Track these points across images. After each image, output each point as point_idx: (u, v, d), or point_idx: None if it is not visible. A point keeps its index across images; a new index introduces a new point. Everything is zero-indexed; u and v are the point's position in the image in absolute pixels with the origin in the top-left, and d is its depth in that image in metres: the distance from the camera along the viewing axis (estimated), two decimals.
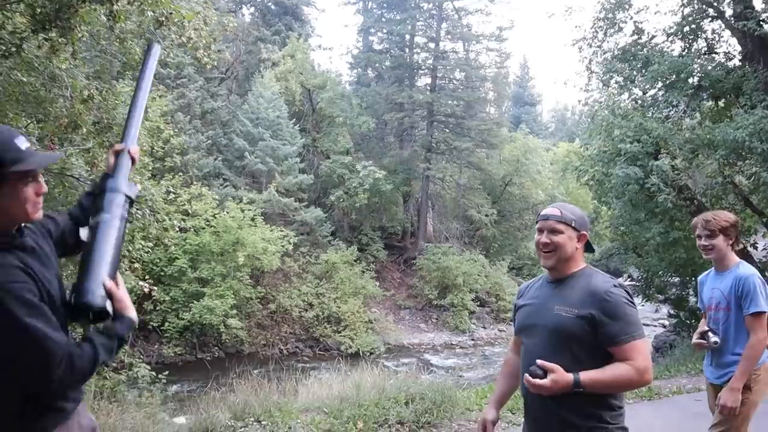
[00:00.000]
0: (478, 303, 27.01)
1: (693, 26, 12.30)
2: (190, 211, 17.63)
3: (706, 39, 12.57)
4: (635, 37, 12.95)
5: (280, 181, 24.51)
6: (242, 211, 20.98)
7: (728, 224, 3.46)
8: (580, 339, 2.28)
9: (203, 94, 25.77)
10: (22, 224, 1.83)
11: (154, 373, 9.37)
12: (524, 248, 33.32)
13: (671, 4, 12.79)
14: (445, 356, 22.46)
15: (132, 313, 1.91)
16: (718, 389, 3.53)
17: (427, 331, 25.51)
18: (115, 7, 4.58)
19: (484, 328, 26.48)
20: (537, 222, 2.52)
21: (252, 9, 35.48)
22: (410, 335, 24.70)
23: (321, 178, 27.75)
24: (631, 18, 12.97)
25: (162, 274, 19.10)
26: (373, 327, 23.31)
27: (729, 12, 11.75)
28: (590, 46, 13.51)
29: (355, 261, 25.26)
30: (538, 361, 2.27)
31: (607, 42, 13.31)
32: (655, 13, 14.84)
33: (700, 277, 3.82)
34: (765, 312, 3.30)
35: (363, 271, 25.18)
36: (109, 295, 1.84)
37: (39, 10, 4.53)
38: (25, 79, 5.43)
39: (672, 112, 12.85)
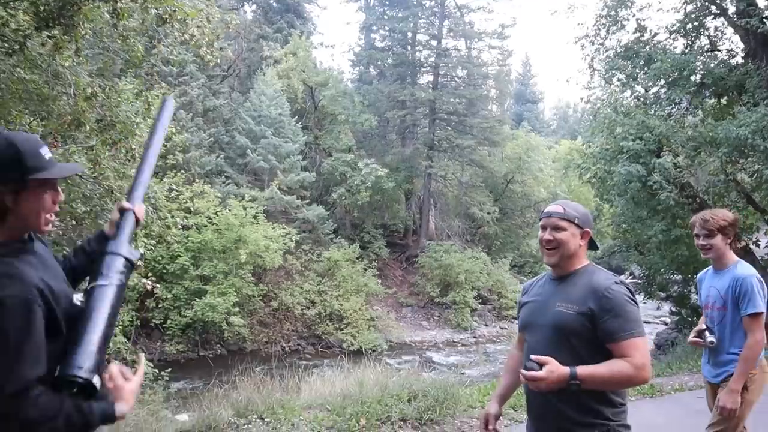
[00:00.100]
0: (480, 301, 27.03)
1: (696, 23, 12.29)
2: (192, 208, 17.70)
3: (708, 36, 12.55)
4: (638, 34, 12.93)
5: (282, 179, 24.52)
6: (244, 208, 21.01)
7: (727, 223, 3.45)
8: (581, 335, 2.29)
9: (205, 91, 25.79)
10: (32, 234, 1.85)
11: (156, 370, 9.40)
12: (526, 246, 33.32)
13: (674, 2, 12.80)
14: (447, 354, 22.47)
15: (121, 406, 1.80)
16: (716, 388, 3.56)
17: (429, 328, 25.53)
18: (118, 4, 4.58)
19: (486, 325, 26.50)
20: (540, 219, 2.52)
21: (254, 6, 35.46)
22: (412, 333, 24.72)
23: (323, 176, 27.75)
24: (634, 15, 12.97)
25: (164, 271, 19.14)
26: (375, 324, 23.34)
27: (732, 9, 11.73)
28: (593, 44, 13.50)
29: (357, 259, 25.28)
30: (533, 356, 2.28)
31: (610, 39, 13.31)
32: (658, 11, 14.90)
33: (699, 275, 3.83)
34: (762, 313, 3.29)
35: (365, 269, 25.21)
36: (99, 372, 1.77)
37: (42, 8, 4.55)
38: (28, 77, 5.44)
39: (674, 110, 12.84)
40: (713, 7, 12.09)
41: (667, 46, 12.61)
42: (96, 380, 1.73)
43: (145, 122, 6.65)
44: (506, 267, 29.69)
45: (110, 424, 1.81)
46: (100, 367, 1.77)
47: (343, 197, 26.45)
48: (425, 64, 32.00)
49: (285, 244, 21.76)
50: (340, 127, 28.79)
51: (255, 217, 21.25)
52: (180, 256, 19.54)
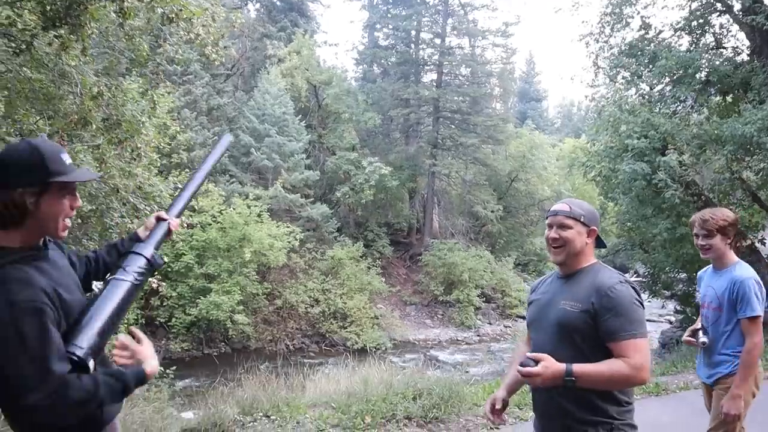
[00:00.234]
0: (484, 299, 27.02)
1: (701, 21, 12.24)
2: (196, 207, 17.74)
3: (714, 34, 12.51)
4: (642, 32, 12.89)
5: (286, 178, 24.55)
6: (248, 207, 21.06)
7: (726, 223, 3.41)
8: (584, 333, 2.29)
9: (209, 90, 25.83)
10: (47, 240, 1.91)
11: (162, 368, 9.39)
12: (530, 244, 33.31)
13: None
14: (450, 352, 22.47)
15: (148, 365, 1.94)
16: (710, 388, 3.56)
17: (432, 327, 25.53)
18: (125, 4, 4.60)
19: (490, 324, 26.49)
20: (547, 218, 2.53)
21: (257, 5, 35.46)
22: (416, 331, 24.72)
23: (327, 175, 27.76)
24: (638, 13, 12.92)
25: (169, 269, 19.18)
26: (378, 323, 23.35)
27: (737, 6, 11.69)
28: (597, 42, 13.47)
29: (361, 257, 25.30)
30: (528, 354, 2.30)
31: (614, 37, 13.27)
32: (663, 8, 14.76)
33: (699, 273, 3.81)
34: (760, 316, 3.27)
35: (369, 267, 25.22)
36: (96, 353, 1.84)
37: (49, 8, 4.56)
38: (34, 76, 5.46)
39: (679, 108, 12.81)
40: (718, 4, 12.05)
41: (672, 44, 12.57)
42: (91, 363, 1.80)
43: (150, 121, 6.68)
44: (510, 265, 29.68)
45: (143, 385, 1.94)
46: (97, 352, 1.84)
47: (347, 196, 26.46)
48: (429, 63, 31.98)
49: (289, 242, 21.80)
50: (343, 126, 28.79)
51: (259, 215, 21.30)
52: (185, 255, 19.59)
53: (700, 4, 12.25)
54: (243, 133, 25.20)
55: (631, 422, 2.34)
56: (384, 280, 25.77)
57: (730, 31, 12.46)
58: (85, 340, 1.81)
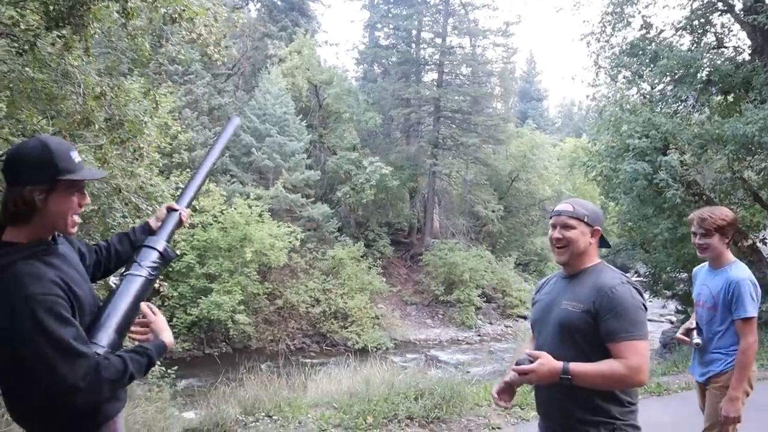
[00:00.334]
0: (485, 299, 27.03)
1: (702, 20, 12.23)
2: (197, 207, 17.72)
3: (715, 33, 12.50)
4: (643, 31, 12.88)
5: (287, 177, 24.57)
6: (249, 207, 21.09)
7: (725, 223, 3.39)
8: (585, 333, 2.29)
9: (210, 90, 25.85)
10: (57, 234, 1.94)
11: (163, 368, 9.41)
12: (531, 244, 33.30)
13: None
14: (451, 352, 22.48)
15: (165, 336, 2.03)
16: (703, 387, 3.56)
17: (433, 326, 25.54)
18: (128, 4, 4.60)
19: (491, 324, 26.50)
20: (550, 218, 2.53)
21: (258, 5, 35.51)
22: (416, 331, 24.73)
23: (328, 174, 27.77)
24: (640, 12, 12.92)
25: (170, 269, 19.18)
26: (379, 323, 23.37)
27: (739, 5, 11.68)
28: (598, 41, 13.47)
29: (362, 257, 25.31)
30: (526, 351, 2.30)
31: (615, 36, 13.27)
32: (664, 7, 14.75)
33: (695, 269, 3.79)
34: (754, 317, 3.27)
35: (369, 267, 25.23)
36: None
37: (52, 8, 4.56)
38: (37, 76, 5.47)
39: (681, 107, 12.81)
40: (720, 4, 12.04)
41: (674, 43, 12.57)
42: None
43: (152, 121, 6.69)
44: (511, 265, 29.67)
45: (164, 355, 2.03)
46: (117, 349, 1.91)
47: (348, 195, 26.47)
48: (430, 62, 31.99)
49: (290, 242, 21.82)
50: (344, 126, 28.80)
51: (260, 215, 21.32)
52: (186, 255, 19.60)
53: (701, 3, 12.25)
54: (244, 133, 25.21)
55: (634, 423, 2.33)
56: (385, 279, 25.78)
57: (732, 31, 12.46)
58: (105, 338, 1.88)
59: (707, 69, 11.86)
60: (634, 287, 2.32)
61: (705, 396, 3.57)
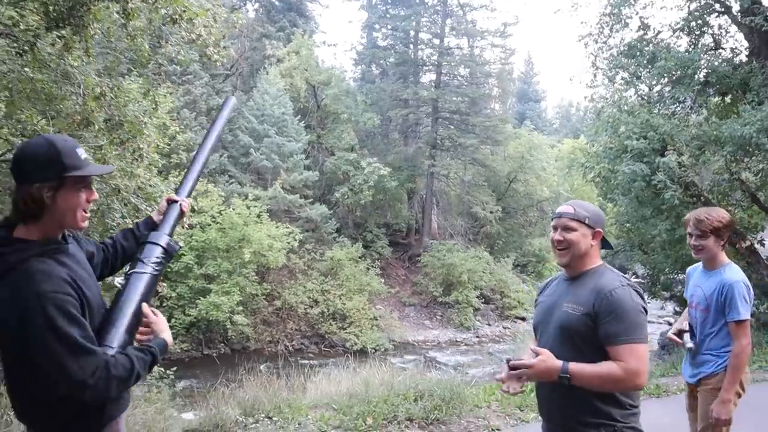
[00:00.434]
0: (483, 300, 27.01)
1: (699, 22, 12.26)
2: (196, 207, 17.70)
3: (712, 34, 12.52)
4: (641, 32, 12.91)
5: (286, 178, 24.56)
6: (248, 207, 21.07)
7: (721, 225, 3.39)
8: (584, 336, 2.29)
9: (209, 90, 25.83)
10: (66, 232, 1.97)
11: (162, 369, 9.40)
12: (529, 245, 33.32)
13: (677, 0, 12.70)
14: (450, 353, 22.48)
15: (166, 335, 2.05)
16: (693, 388, 3.57)
17: (431, 328, 25.53)
18: (129, 5, 4.60)
19: (489, 325, 26.49)
20: (552, 220, 2.54)
21: (256, 5, 35.51)
22: (415, 332, 24.72)
23: (326, 175, 27.76)
24: (637, 13, 12.95)
25: (168, 270, 19.14)
26: (378, 324, 23.35)
27: (736, 7, 11.70)
28: (596, 42, 13.48)
29: (360, 258, 25.30)
30: (531, 347, 2.33)
31: (613, 38, 13.29)
32: (661, 9, 14.78)
33: (689, 269, 3.79)
34: (747, 319, 3.28)
35: (368, 268, 25.22)
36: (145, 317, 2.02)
37: (52, 8, 4.56)
38: (36, 76, 5.46)
39: (678, 108, 12.83)
40: (717, 5, 12.07)
41: (671, 45, 12.60)
42: None
43: (151, 121, 6.69)
44: (509, 266, 29.67)
45: (166, 353, 2.06)
46: (125, 348, 1.93)
47: (346, 196, 26.46)
48: (428, 63, 31.98)
49: (288, 243, 21.82)
50: (342, 126, 28.80)
51: (258, 216, 21.30)
52: (184, 255, 19.57)
53: (698, 5, 12.27)
54: (242, 134, 25.20)
55: (635, 425, 2.33)
56: (383, 281, 25.78)
57: (729, 32, 12.49)
58: (115, 340, 1.90)
59: (705, 70, 11.90)
60: (634, 289, 2.32)
61: (693, 397, 3.59)
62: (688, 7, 12.47)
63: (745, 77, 11.10)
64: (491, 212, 30.22)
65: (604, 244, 2.52)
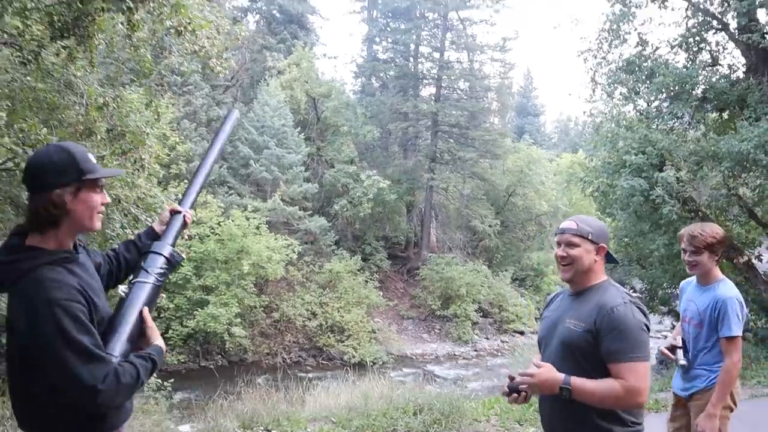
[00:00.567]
0: (481, 314, 26.94)
1: (697, 38, 12.33)
2: (195, 218, 17.67)
3: (710, 51, 12.60)
4: (640, 48, 12.98)
5: (285, 190, 24.57)
6: (247, 219, 21.04)
7: (715, 241, 3.40)
8: (586, 352, 2.29)
9: (209, 101, 25.90)
10: (78, 243, 2.00)
11: (159, 380, 9.38)
12: (527, 259, 33.28)
13: (675, 17, 12.83)
14: (448, 367, 22.40)
15: (160, 341, 2.08)
16: (682, 401, 3.56)
17: (429, 341, 25.45)
18: (136, 16, 4.64)
19: (487, 339, 26.41)
20: (555, 235, 2.55)
21: (257, 17, 35.70)
22: (413, 345, 24.64)
23: (325, 187, 27.79)
24: (636, 30, 13.02)
25: (167, 281, 18.93)
26: (376, 337, 23.28)
27: (733, 24, 11.79)
28: (595, 58, 13.55)
29: (359, 270, 25.25)
30: (534, 360, 2.34)
31: (612, 53, 13.36)
32: (659, 25, 14.92)
33: (682, 283, 3.81)
34: (739, 336, 3.29)
35: (366, 281, 25.16)
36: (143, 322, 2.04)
37: (57, 18, 4.60)
38: (40, 86, 5.49)
39: (677, 124, 12.87)
40: (714, 22, 12.15)
41: (669, 61, 12.67)
42: None
43: (153, 132, 6.71)
44: (507, 280, 29.62)
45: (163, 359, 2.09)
46: (126, 356, 1.95)
47: (345, 209, 26.46)
48: (428, 77, 32.09)
49: (287, 255, 21.77)
50: (342, 139, 28.86)
51: (257, 227, 21.28)
52: (182, 266, 19.49)
53: (696, 21, 12.35)
54: (242, 145, 25.23)
55: None
56: (381, 293, 25.71)
57: (726, 49, 12.55)
58: (117, 348, 1.91)
59: (702, 86, 11.97)
60: (637, 307, 2.31)
61: (679, 408, 3.60)
62: (686, 23, 12.56)
63: (743, 93, 11.16)
64: (490, 226, 30.22)
65: (609, 258, 2.52)
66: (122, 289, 2.13)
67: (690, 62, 12.53)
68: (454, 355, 24.28)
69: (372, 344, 22.57)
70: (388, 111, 30.02)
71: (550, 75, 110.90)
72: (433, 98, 31.21)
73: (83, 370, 1.73)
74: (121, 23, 5.17)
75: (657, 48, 13.02)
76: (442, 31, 31.49)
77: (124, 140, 6.32)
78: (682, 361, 3.49)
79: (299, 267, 23.84)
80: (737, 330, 3.27)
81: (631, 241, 13.81)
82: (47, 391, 1.82)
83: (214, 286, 19.99)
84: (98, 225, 2.00)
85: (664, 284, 14.44)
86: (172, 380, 10.47)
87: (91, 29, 4.77)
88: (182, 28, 5.26)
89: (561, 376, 2.23)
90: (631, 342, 2.22)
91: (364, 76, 33.93)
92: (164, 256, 2.23)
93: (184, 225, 2.42)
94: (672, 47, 12.69)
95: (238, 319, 19.83)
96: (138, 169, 6.74)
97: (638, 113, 13.18)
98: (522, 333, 27.06)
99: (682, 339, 3.58)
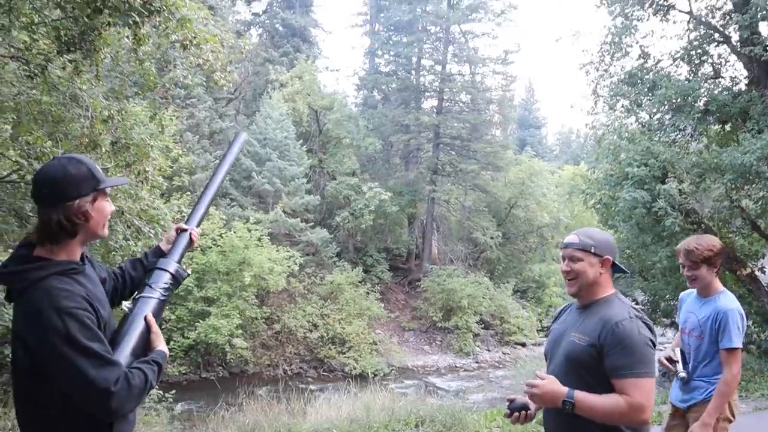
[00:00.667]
0: (483, 326, 26.86)
1: (699, 51, 12.39)
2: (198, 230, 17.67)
3: (712, 63, 12.66)
4: (642, 61, 13.05)
5: (287, 202, 24.60)
6: (249, 231, 21.07)
7: (712, 254, 3.40)
8: (589, 367, 2.28)
9: (212, 114, 25.99)
10: (84, 255, 2.03)
11: (161, 392, 9.35)
12: (529, 271, 33.21)
13: (677, 29, 12.88)
14: (449, 379, 22.31)
15: (164, 346, 2.11)
16: (680, 412, 3.56)
17: (431, 353, 25.37)
18: (142, 30, 4.68)
19: (489, 350, 26.32)
20: (560, 250, 2.55)
21: (260, 30, 35.94)
22: (414, 357, 24.57)
23: (327, 199, 27.82)
24: (638, 42, 13.10)
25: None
26: (377, 348, 23.21)
27: (735, 37, 11.85)
28: (597, 70, 13.62)
29: (360, 282, 25.23)
30: (537, 372, 2.33)
31: (614, 66, 13.43)
32: (661, 38, 14.91)
33: (682, 294, 3.80)
34: (739, 348, 3.29)
35: (368, 293, 25.12)
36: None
37: (64, 32, 4.64)
38: (46, 99, 5.54)
39: (679, 136, 12.91)
40: (716, 35, 12.22)
41: (671, 73, 12.72)
42: None
43: (157, 144, 6.75)
44: (509, 292, 29.55)
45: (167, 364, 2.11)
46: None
47: (347, 221, 26.48)
48: (429, 89, 32.19)
49: (289, 266, 21.76)
50: (344, 151, 28.94)
51: (259, 239, 21.30)
52: None
53: (698, 34, 12.42)
54: (244, 157, 25.29)
55: None
56: (383, 305, 25.66)
57: (728, 61, 12.61)
58: (121, 361, 1.90)
59: (705, 99, 12.01)
60: (643, 321, 2.29)
61: (677, 418, 3.59)
62: (688, 36, 12.63)
63: (745, 106, 11.19)
64: (491, 238, 30.18)
65: (617, 268, 2.50)
66: (126, 304, 2.14)
67: (692, 75, 12.58)
68: (456, 367, 24.20)
69: (373, 356, 22.51)
70: (389, 123, 30.10)
71: (551, 87, 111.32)
72: (434, 110, 31.28)
73: (96, 374, 1.75)
74: (127, 37, 5.21)
75: (659, 60, 13.09)
76: (444, 44, 31.62)
77: (129, 153, 6.36)
78: (682, 373, 3.49)
79: (301, 278, 23.84)
80: (738, 342, 3.27)
81: (634, 253, 13.79)
82: (56, 400, 1.83)
83: (215, 297, 19.98)
84: (107, 232, 2.06)
85: (667, 296, 14.41)
86: (174, 392, 10.44)
87: (97, 43, 4.81)
88: (187, 42, 5.30)
89: (564, 389, 2.23)
90: (635, 357, 2.20)
91: (366, 89, 34.05)
92: (169, 272, 2.24)
93: (191, 243, 2.43)
94: (674, 60, 12.75)
95: (240, 331, 19.80)
96: (141, 182, 6.77)
97: (640, 125, 13.21)
98: (524, 345, 26.96)
99: (681, 350, 3.57)
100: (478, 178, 30.71)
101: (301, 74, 29.71)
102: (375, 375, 20.52)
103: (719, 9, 12.24)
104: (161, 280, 2.21)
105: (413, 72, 32.42)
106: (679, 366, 3.52)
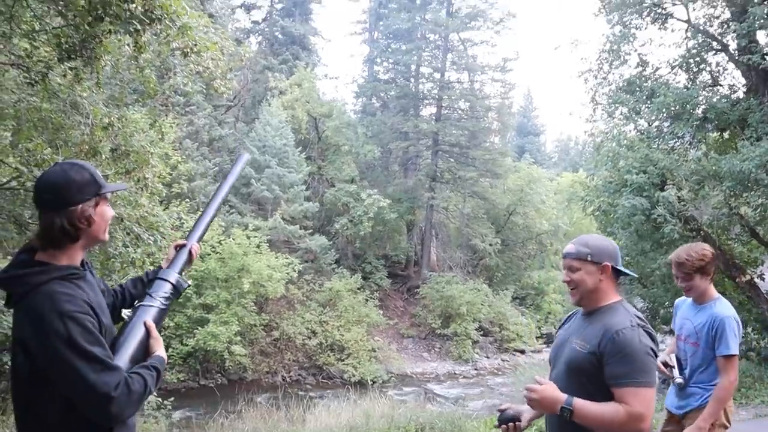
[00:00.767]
0: (482, 332, 26.83)
1: (697, 59, 12.42)
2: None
3: (710, 72, 12.69)
4: (640, 69, 13.09)
5: (286, 209, 24.62)
6: (248, 237, 21.08)
7: (703, 263, 3.40)
8: (590, 374, 2.28)
9: (211, 121, 26.03)
10: (85, 262, 2.04)
11: (159, 399, 9.31)
12: (528, 278, 33.22)
13: (675, 38, 12.94)
14: (448, 386, 22.27)
15: (162, 351, 2.11)
16: (675, 418, 3.56)
17: (430, 360, 25.33)
18: (142, 38, 4.70)
19: (488, 357, 26.28)
20: (561, 259, 2.55)
21: (260, 38, 36.05)
22: (413, 364, 24.52)
23: (326, 206, 27.83)
24: (636, 50, 13.15)
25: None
26: (376, 355, 23.18)
27: (733, 45, 11.89)
28: (595, 78, 13.65)
29: (359, 289, 25.22)
30: (536, 377, 2.33)
31: (613, 74, 13.48)
32: (660, 46, 15.04)
33: (677, 301, 3.79)
34: (736, 354, 3.29)
35: (366, 300, 25.11)
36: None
37: (65, 40, 4.66)
38: (46, 106, 5.55)
39: (677, 144, 12.94)
40: (714, 44, 12.26)
41: (670, 81, 12.76)
42: None
43: (156, 151, 6.76)
44: (508, 299, 29.53)
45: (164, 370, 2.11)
46: None
47: (346, 227, 26.49)
48: (428, 97, 32.26)
49: (287, 273, 21.76)
50: (343, 158, 28.97)
51: (258, 246, 21.30)
52: None
53: (696, 42, 12.45)
54: None
55: None
56: (381, 312, 25.63)
57: (727, 69, 12.65)
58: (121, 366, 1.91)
59: (703, 106, 12.03)
60: (645, 330, 2.28)
61: (672, 424, 3.58)
62: (686, 44, 12.66)
63: (743, 114, 11.22)
64: (490, 245, 30.18)
65: (620, 273, 2.47)
66: (126, 312, 2.15)
67: (690, 82, 12.62)
68: (455, 373, 24.15)
69: (372, 363, 22.47)
70: (388, 130, 30.16)
71: (550, 95, 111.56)
72: (433, 118, 31.35)
73: (97, 378, 1.75)
74: (128, 45, 5.23)
75: (657, 68, 13.13)
76: (443, 52, 31.72)
77: (128, 160, 6.37)
78: (679, 379, 3.50)
79: (299, 285, 23.82)
80: (735, 348, 3.28)
81: (633, 260, 13.77)
82: (56, 406, 1.83)
83: (214, 304, 19.96)
84: (108, 237, 2.08)
85: (666, 303, 14.38)
86: (172, 399, 10.41)
87: (98, 51, 4.83)
88: (188, 50, 5.31)
89: (563, 395, 2.22)
90: (635, 366, 2.19)
91: (365, 96, 34.12)
92: (170, 282, 2.26)
93: (190, 257, 2.44)
94: (672, 68, 12.79)
95: (238, 338, 19.77)
96: (141, 188, 6.77)
97: (639, 133, 13.23)
98: (523, 352, 26.93)
99: (677, 357, 3.58)
100: (476, 185, 30.75)
101: (301, 82, 29.78)
102: (374, 382, 20.50)
103: (717, 18, 12.30)
104: (162, 290, 2.22)
105: (412, 79, 32.51)
106: (676, 372, 3.53)
